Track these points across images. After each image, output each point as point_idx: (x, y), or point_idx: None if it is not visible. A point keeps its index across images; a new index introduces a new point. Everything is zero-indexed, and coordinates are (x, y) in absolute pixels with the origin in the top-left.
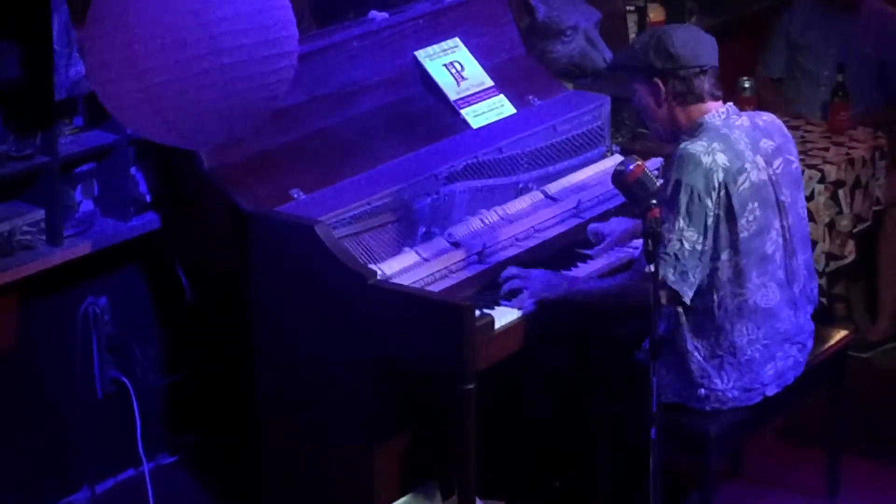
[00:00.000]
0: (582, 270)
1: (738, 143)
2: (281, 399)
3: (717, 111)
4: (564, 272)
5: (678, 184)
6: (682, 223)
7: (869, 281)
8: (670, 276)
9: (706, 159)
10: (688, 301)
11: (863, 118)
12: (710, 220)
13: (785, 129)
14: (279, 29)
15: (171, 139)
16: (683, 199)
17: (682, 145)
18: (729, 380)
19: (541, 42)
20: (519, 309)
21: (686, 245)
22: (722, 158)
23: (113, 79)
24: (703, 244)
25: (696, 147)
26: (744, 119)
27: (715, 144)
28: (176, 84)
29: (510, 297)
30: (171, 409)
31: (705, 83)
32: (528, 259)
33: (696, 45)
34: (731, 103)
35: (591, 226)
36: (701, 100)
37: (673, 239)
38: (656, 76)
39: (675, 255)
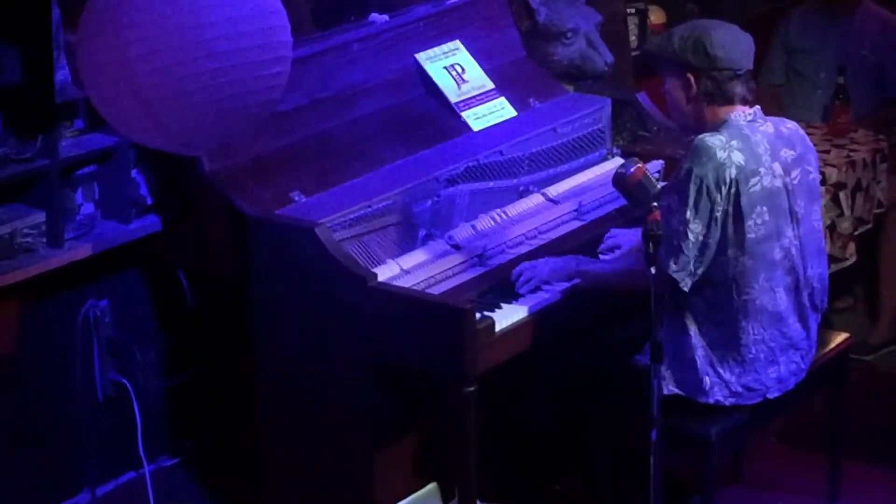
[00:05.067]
0: None
1: (757, 147)
2: (281, 402)
3: (743, 112)
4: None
5: (689, 173)
6: (689, 214)
7: (870, 284)
8: (672, 266)
9: (721, 154)
10: (686, 289)
11: (862, 122)
12: (717, 214)
13: (808, 140)
14: (272, 34)
15: (163, 143)
16: (692, 189)
17: (700, 136)
18: (732, 374)
19: (541, 44)
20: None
21: (691, 237)
22: (738, 157)
23: (106, 83)
24: (707, 236)
25: (714, 140)
26: (768, 125)
27: (734, 142)
28: (168, 88)
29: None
30: (172, 411)
31: (737, 86)
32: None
33: (735, 47)
34: (758, 107)
35: (611, 233)
36: (731, 102)
37: (679, 230)
38: (689, 72)
39: (680, 245)
